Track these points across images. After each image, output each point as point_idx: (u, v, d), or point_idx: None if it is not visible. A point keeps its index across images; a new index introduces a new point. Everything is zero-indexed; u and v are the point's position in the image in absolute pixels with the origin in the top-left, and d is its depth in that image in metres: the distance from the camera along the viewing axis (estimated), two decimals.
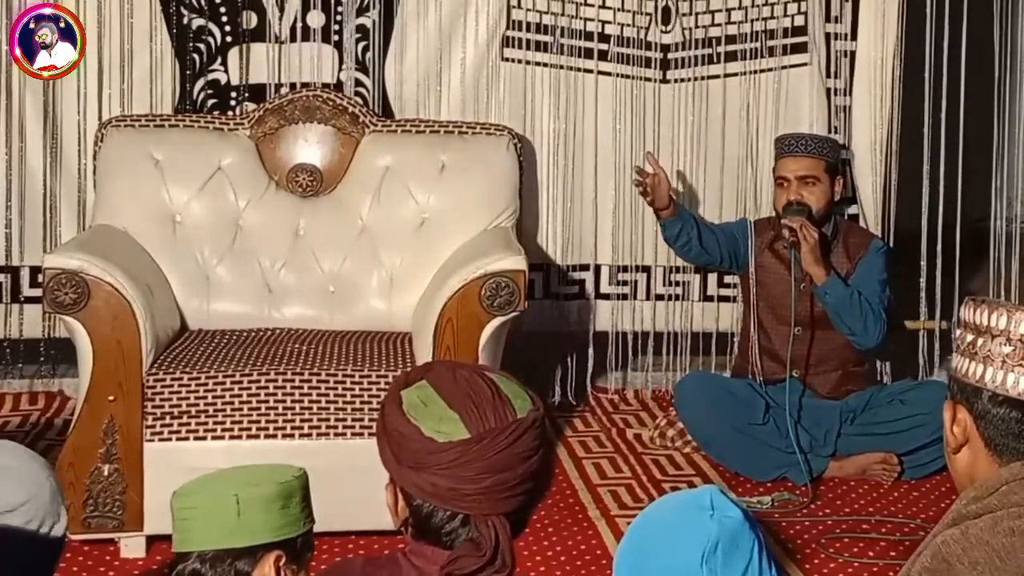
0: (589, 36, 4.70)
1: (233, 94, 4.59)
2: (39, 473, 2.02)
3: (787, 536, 3.68)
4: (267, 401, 3.51)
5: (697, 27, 4.72)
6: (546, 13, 4.67)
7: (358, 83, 4.62)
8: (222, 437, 3.48)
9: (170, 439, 3.48)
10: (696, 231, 4.29)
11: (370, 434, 3.47)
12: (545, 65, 4.68)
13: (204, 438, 3.48)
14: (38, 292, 4.14)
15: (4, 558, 1.95)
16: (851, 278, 4.20)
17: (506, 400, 1.85)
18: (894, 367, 4.76)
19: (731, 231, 4.39)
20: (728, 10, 4.72)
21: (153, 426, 3.48)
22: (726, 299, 4.80)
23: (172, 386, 3.49)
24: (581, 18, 4.69)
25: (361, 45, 4.62)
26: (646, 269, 4.79)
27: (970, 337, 1.84)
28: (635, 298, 4.81)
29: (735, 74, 4.74)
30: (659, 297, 4.81)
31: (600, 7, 4.68)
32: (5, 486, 1.96)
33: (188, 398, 3.49)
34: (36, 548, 2.00)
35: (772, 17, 4.73)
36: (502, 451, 1.82)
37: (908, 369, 4.85)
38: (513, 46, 4.67)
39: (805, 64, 4.73)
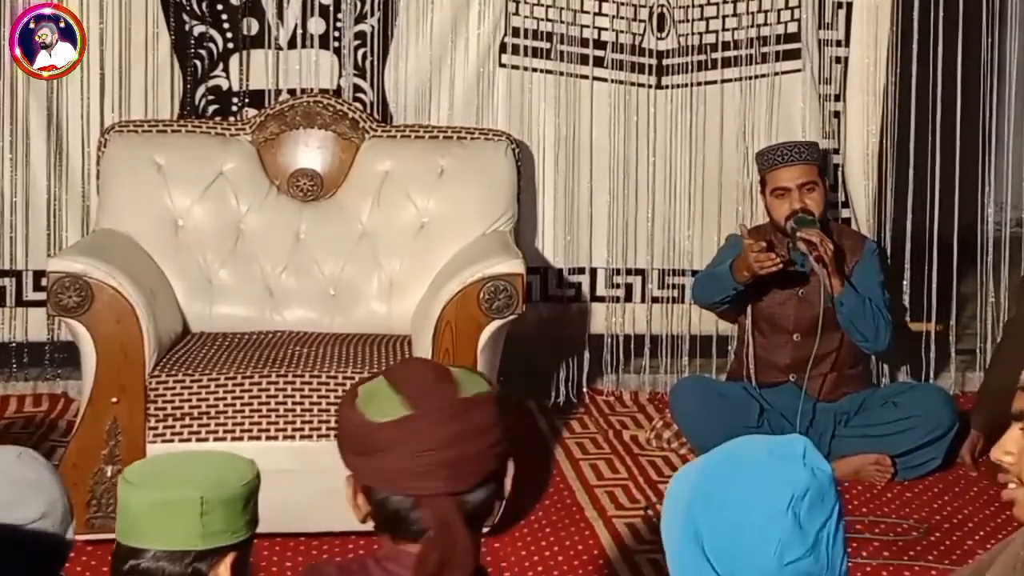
0: (586, 43, 4.73)
1: (234, 100, 4.63)
2: (56, 489, 2.01)
3: None
4: (268, 403, 3.55)
5: (692, 34, 4.76)
6: (544, 20, 4.70)
7: (357, 89, 4.66)
8: (224, 438, 3.51)
9: (172, 440, 3.51)
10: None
11: None
12: (543, 71, 4.72)
13: (206, 439, 3.51)
14: (42, 296, 4.17)
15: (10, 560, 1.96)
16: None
17: (455, 383, 1.87)
18: (891, 368, 4.80)
19: (731, 255, 4.21)
20: (722, 17, 4.76)
21: (156, 427, 3.51)
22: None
23: (175, 388, 3.53)
24: (578, 25, 4.72)
25: (361, 51, 4.66)
26: (640, 272, 4.83)
27: None
28: (631, 301, 4.85)
29: (729, 80, 4.77)
30: (655, 300, 4.84)
31: (596, 14, 4.72)
32: (24, 500, 1.96)
33: (190, 400, 3.53)
34: (42, 554, 2.00)
35: (766, 24, 4.76)
36: (443, 425, 1.83)
37: (902, 371, 4.89)
38: (511, 52, 4.71)
39: (798, 70, 4.76)
